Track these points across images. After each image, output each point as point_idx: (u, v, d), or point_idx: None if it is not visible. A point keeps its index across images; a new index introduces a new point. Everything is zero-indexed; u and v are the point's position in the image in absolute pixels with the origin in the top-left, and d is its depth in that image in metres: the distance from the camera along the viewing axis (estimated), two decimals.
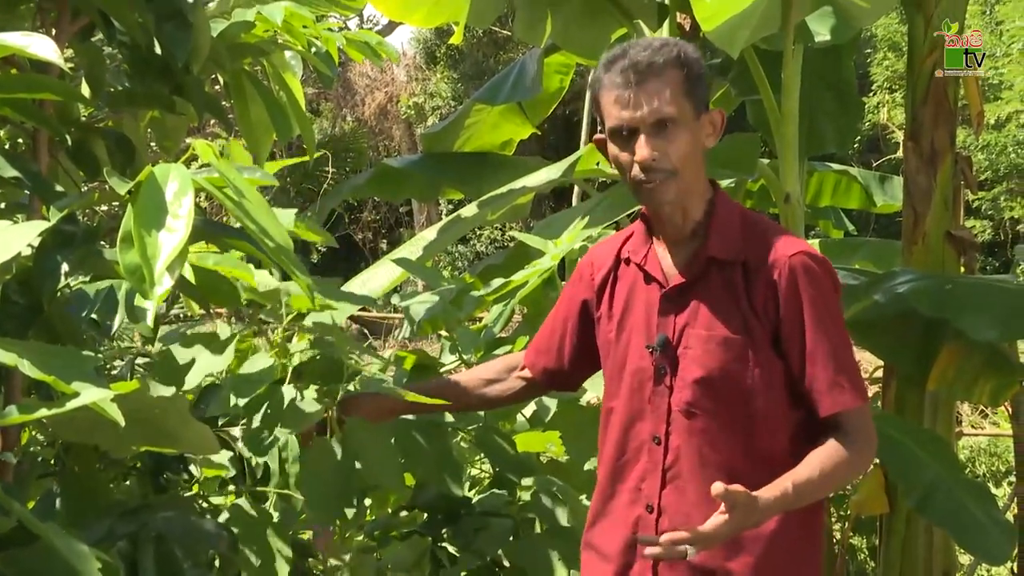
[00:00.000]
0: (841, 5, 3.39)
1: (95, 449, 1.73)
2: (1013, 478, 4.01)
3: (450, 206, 15.69)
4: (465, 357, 2.49)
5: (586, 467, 2.46)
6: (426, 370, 2.37)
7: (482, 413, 2.35)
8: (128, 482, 1.93)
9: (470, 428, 2.38)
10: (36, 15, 1.76)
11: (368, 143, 18.08)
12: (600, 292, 1.93)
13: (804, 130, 3.81)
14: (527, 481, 2.37)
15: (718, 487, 1.55)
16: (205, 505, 2.00)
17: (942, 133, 3.50)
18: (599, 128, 1.81)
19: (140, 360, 2.20)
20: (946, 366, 3.21)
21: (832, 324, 1.75)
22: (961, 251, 3.53)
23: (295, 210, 1.88)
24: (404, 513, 2.41)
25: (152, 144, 2.27)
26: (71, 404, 1.21)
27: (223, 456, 1.92)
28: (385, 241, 18.05)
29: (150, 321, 1.45)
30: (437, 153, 4.90)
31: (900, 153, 4.23)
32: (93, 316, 1.63)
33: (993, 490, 5.99)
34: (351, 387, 2.04)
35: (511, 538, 2.30)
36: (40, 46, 1.38)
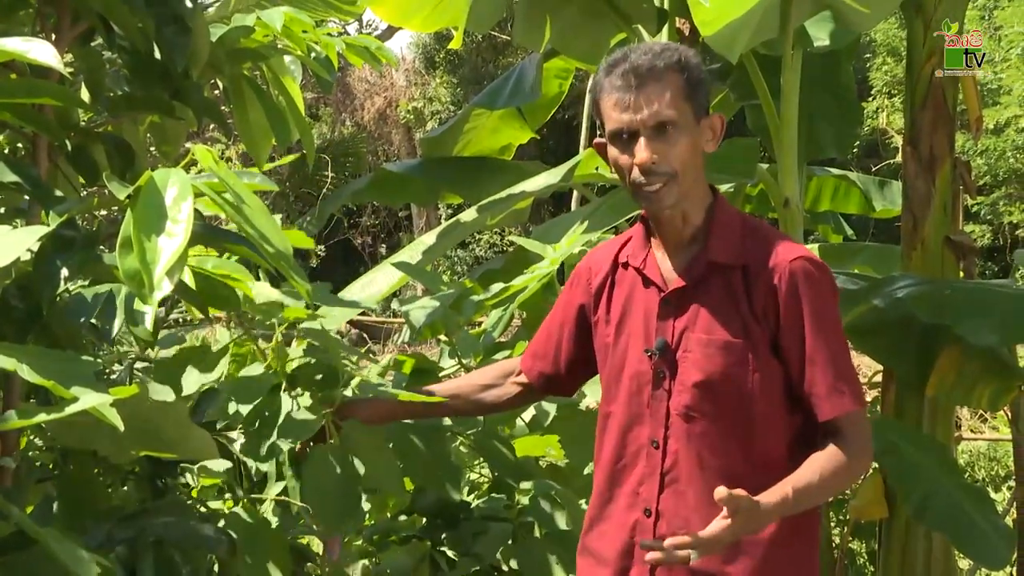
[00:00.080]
0: (840, 10, 3.39)
1: (94, 454, 1.73)
2: (1012, 483, 4.02)
3: (449, 211, 15.69)
4: (464, 361, 2.49)
5: (585, 471, 2.46)
6: (425, 374, 2.37)
7: (481, 418, 2.35)
8: (126, 487, 1.92)
9: (469, 432, 2.38)
10: (36, 20, 1.76)
11: (367, 148, 18.09)
12: (597, 297, 1.93)
13: (803, 135, 3.81)
14: (526, 485, 2.37)
15: (721, 491, 1.55)
16: (203, 510, 2.00)
17: (941, 138, 3.51)
18: (599, 132, 1.81)
19: (139, 365, 2.20)
20: (945, 371, 3.21)
21: (832, 329, 1.76)
22: (960, 256, 3.53)
23: (280, 215, 1.88)
24: (403, 517, 2.41)
25: (151, 149, 2.27)
26: (70, 409, 1.21)
27: (221, 464, 1.92)
28: (384, 246, 18.04)
29: (149, 325, 1.45)
30: (436, 158, 4.90)
31: (899, 158, 4.23)
32: (93, 321, 1.63)
33: (992, 495, 5.99)
34: (349, 392, 2.04)
35: (510, 542, 2.30)
36: (40, 51, 1.38)
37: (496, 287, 2.59)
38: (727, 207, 1.85)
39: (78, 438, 1.59)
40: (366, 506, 2.30)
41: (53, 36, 1.74)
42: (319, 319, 2.02)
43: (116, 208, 1.58)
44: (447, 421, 2.29)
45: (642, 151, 1.71)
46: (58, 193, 1.65)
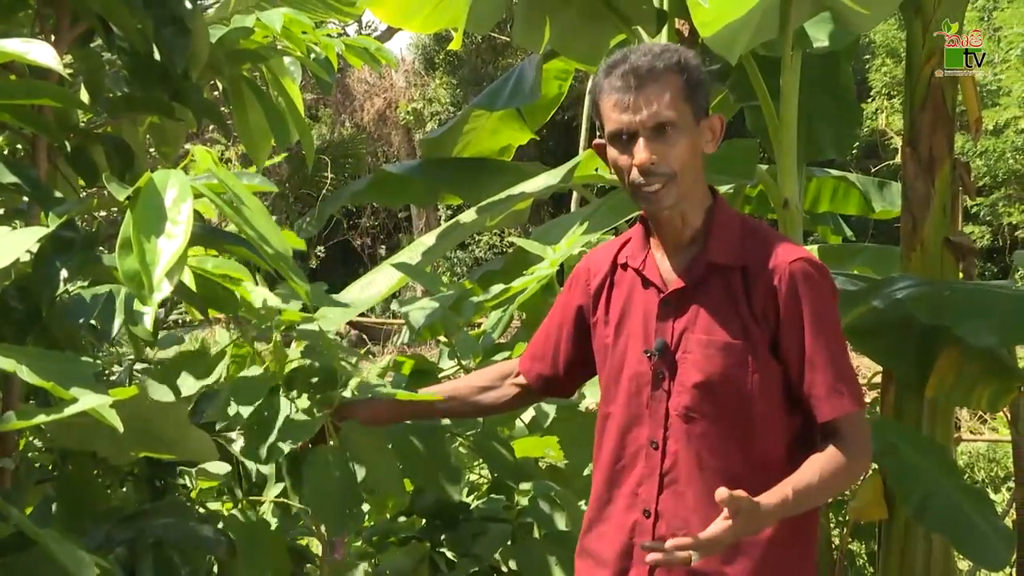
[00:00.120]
0: (839, 11, 3.39)
1: (93, 455, 1.73)
2: (1012, 484, 4.01)
3: (449, 212, 15.69)
4: (464, 363, 2.49)
5: (584, 473, 2.46)
6: (424, 375, 2.37)
7: (480, 419, 2.35)
8: (125, 488, 1.92)
9: (468, 434, 2.38)
10: (35, 21, 1.76)
11: (367, 149, 18.09)
12: (596, 298, 1.93)
13: (803, 136, 3.81)
14: (525, 486, 2.37)
15: (723, 492, 1.55)
16: (203, 511, 2.00)
17: (940, 139, 3.51)
18: (599, 133, 1.81)
19: (138, 366, 2.20)
20: (945, 372, 3.21)
21: (831, 331, 1.76)
22: (960, 257, 3.53)
23: (278, 216, 1.89)
24: (402, 519, 2.40)
25: (151, 150, 2.27)
26: (69, 410, 1.21)
27: (221, 468, 1.92)
28: (384, 247, 18.05)
29: (148, 325, 1.45)
30: (436, 159, 4.90)
31: (898, 159, 4.23)
32: (92, 322, 1.63)
33: (992, 496, 5.99)
34: (348, 393, 2.04)
35: (509, 543, 2.30)
36: (39, 52, 1.38)
37: (496, 288, 2.59)
38: (727, 208, 1.85)
39: (77, 439, 1.59)
40: (365, 507, 2.30)
41: (52, 37, 1.74)
42: (315, 321, 2.02)
43: (115, 209, 1.58)
44: (446, 422, 2.29)
45: (641, 152, 1.71)
46: (57, 194, 1.65)
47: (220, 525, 1.84)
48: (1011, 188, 13.19)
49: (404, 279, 3.74)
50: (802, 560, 1.82)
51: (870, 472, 3.38)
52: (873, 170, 12.20)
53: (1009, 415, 3.62)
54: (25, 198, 1.68)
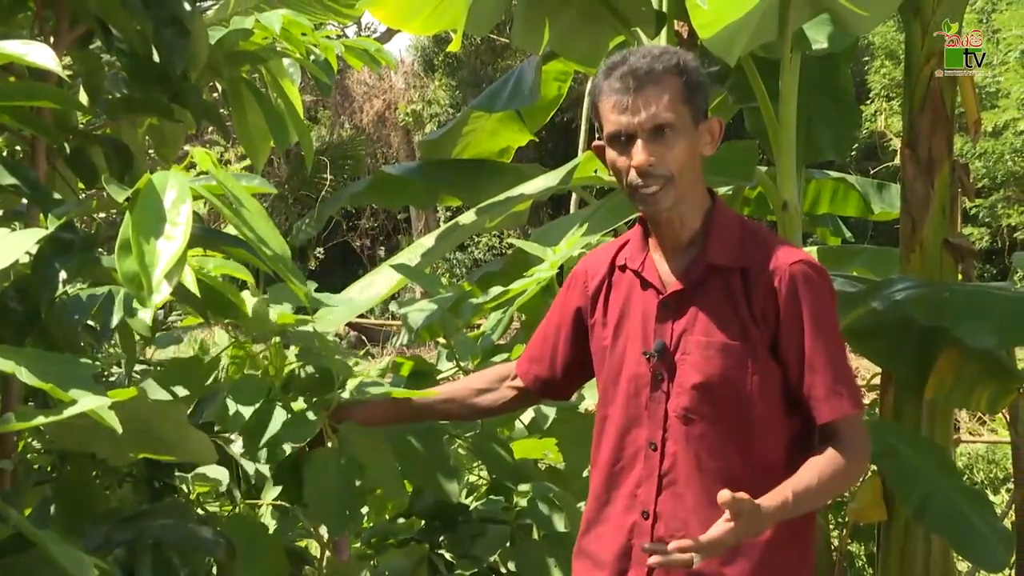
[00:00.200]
0: (838, 13, 3.39)
1: (92, 456, 1.73)
2: (1011, 485, 4.01)
3: (448, 213, 15.69)
4: (462, 364, 2.49)
5: (584, 474, 2.46)
6: (423, 377, 2.37)
7: (480, 420, 2.35)
8: (123, 489, 1.92)
9: (467, 435, 2.38)
10: (34, 23, 1.76)
11: (366, 150, 18.07)
12: (594, 299, 1.93)
13: (802, 138, 3.81)
14: (524, 487, 2.37)
15: (725, 494, 1.55)
16: (201, 512, 2.00)
17: (939, 141, 3.51)
18: (598, 135, 1.81)
19: (137, 367, 2.20)
20: (944, 373, 3.21)
21: (831, 333, 1.76)
22: (959, 258, 3.53)
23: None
24: (401, 520, 2.40)
25: (150, 151, 2.27)
26: (68, 411, 1.21)
27: (221, 473, 1.93)
28: (383, 248, 18.05)
29: (148, 320, 1.45)
30: (435, 160, 4.90)
31: (898, 160, 4.23)
32: (90, 323, 1.63)
33: (991, 497, 5.99)
34: (346, 394, 2.04)
35: (508, 544, 2.30)
36: (38, 54, 1.38)
37: (495, 290, 2.59)
38: (725, 210, 1.85)
39: (76, 440, 1.58)
40: (364, 509, 2.31)
41: (51, 39, 1.74)
42: (312, 323, 2.02)
43: (115, 211, 1.58)
44: (444, 424, 2.29)
45: (639, 153, 1.72)
46: (56, 196, 1.65)
47: (219, 527, 1.84)
48: (1010, 190, 13.19)
49: (403, 280, 3.74)
50: (801, 561, 1.82)
51: (869, 473, 3.39)
52: (872, 172, 12.20)
53: (1008, 416, 3.62)
54: (24, 200, 1.68)
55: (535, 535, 2.35)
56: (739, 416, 1.75)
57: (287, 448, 1.90)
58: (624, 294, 1.88)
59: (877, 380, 3.69)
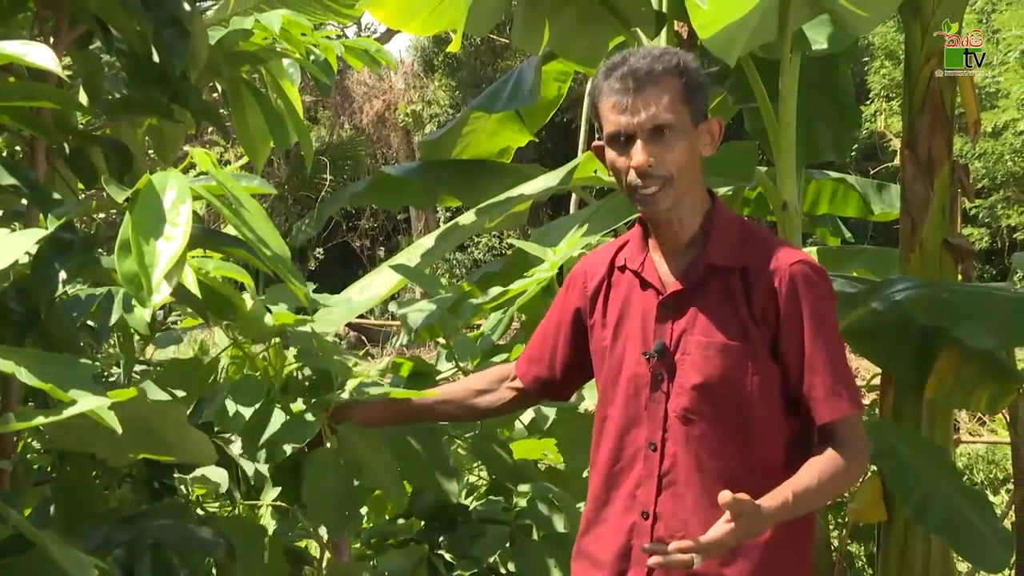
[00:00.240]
0: (838, 14, 3.39)
1: (92, 457, 1.73)
2: (1011, 485, 4.02)
3: (448, 214, 15.69)
4: (461, 365, 2.49)
5: (584, 475, 2.46)
6: (422, 377, 2.37)
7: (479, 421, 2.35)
8: (122, 489, 1.92)
9: (467, 436, 2.38)
10: (34, 23, 1.76)
11: (366, 151, 18.07)
12: (593, 300, 1.93)
13: (801, 138, 3.81)
14: (524, 488, 2.37)
15: (726, 495, 1.55)
16: (201, 513, 2.00)
17: (939, 141, 3.51)
18: (597, 135, 1.82)
19: (137, 368, 2.20)
20: (944, 374, 3.21)
21: (830, 333, 1.76)
22: (958, 259, 3.53)
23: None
24: (401, 521, 2.40)
25: (150, 152, 2.27)
26: (68, 412, 1.21)
27: (221, 476, 1.92)
28: (383, 249, 18.05)
29: (147, 317, 1.44)
30: (435, 161, 4.90)
31: (897, 161, 4.23)
32: (90, 323, 1.63)
33: (991, 497, 5.99)
34: (346, 395, 2.04)
35: (507, 545, 2.30)
36: (38, 54, 1.38)
37: (494, 290, 2.59)
38: (725, 211, 1.85)
39: (76, 441, 1.58)
40: (364, 509, 2.31)
41: (51, 39, 1.74)
42: (310, 324, 2.02)
43: (114, 211, 1.58)
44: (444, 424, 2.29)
45: (638, 154, 1.72)
46: (56, 196, 1.65)
47: (218, 527, 1.84)
48: (1010, 190, 13.19)
49: (403, 281, 3.74)
50: (800, 562, 1.82)
51: (869, 474, 3.39)
52: (872, 172, 12.20)
53: (1008, 417, 3.62)
54: (24, 200, 1.68)
55: (535, 536, 2.34)
56: (739, 416, 1.76)
57: (287, 449, 1.90)
58: (623, 294, 1.88)
59: (877, 380, 3.69)
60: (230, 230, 1.62)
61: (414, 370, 2.39)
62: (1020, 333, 3.00)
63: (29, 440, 1.88)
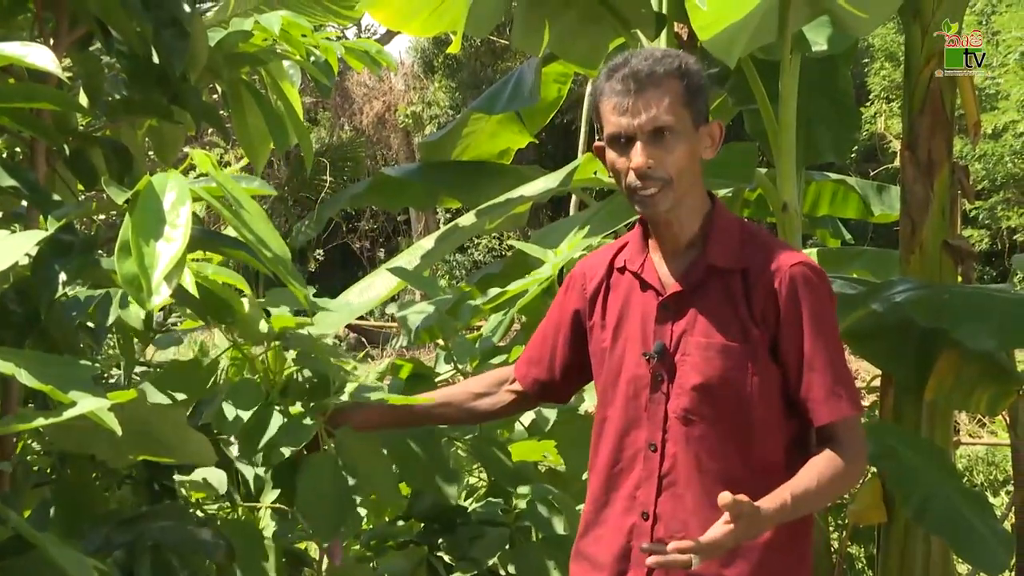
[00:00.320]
0: (838, 15, 3.40)
1: (91, 458, 1.73)
2: (1011, 487, 4.02)
3: (448, 215, 15.69)
4: (460, 366, 2.49)
5: (584, 476, 2.46)
6: (421, 379, 2.37)
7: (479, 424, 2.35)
8: (122, 491, 1.92)
9: (467, 438, 2.38)
10: (34, 24, 1.76)
11: (366, 152, 18.08)
12: (592, 302, 1.93)
13: (801, 139, 3.81)
14: (523, 490, 2.37)
15: (725, 496, 1.55)
16: (200, 514, 2.00)
17: (939, 143, 3.51)
18: (598, 136, 1.82)
19: (137, 369, 2.20)
20: (944, 375, 3.21)
21: (830, 335, 1.76)
22: (958, 260, 3.53)
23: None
24: (400, 522, 2.40)
25: (150, 153, 2.27)
26: (68, 413, 1.21)
27: (220, 480, 1.92)
28: (383, 250, 18.05)
29: (141, 316, 1.44)
30: (435, 162, 4.90)
31: (897, 162, 4.23)
32: (89, 325, 1.63)
33: (991, 499, 5.99)
34: (345, 397, 2.04)
35: (507, 547, 2.30)
36: (38, 56, 1.38)
37: (493, 291, 2.59)
38: (725, 213, 1.85)
39: (76, 442, 1.58)
40: (363, 511, 2.30)
41: (51, 40, 1.74)
42: (308, 327, 2.02)
43: (114, 213, 1.58)
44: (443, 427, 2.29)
45: (638, 155, 1.72)
46: (56, 197, 1.64)
47: (218, 529, 1.84)
48: (1010, 192, 13.20)
49: (403, 283, 3.73)
50: (799, 563, 1.82)
51: (869, 475, 3.39)
52: (872, 173, 12.21)
53: (1008, 418, 3.62)
54: (24, 201, 1.67)
55: (534, 538, 2.34)
56: (739, 417, 1.76)
57: (286, 451, 1.90)
58: (623, 296, 1.88)
59: (877, 382, 3.69)
60: (231, 232, 1.61)
61: (413, 372, 2.39)
62: (1020, 335, 3.00)
63: (29, 441, 1.88)
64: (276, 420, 1.91)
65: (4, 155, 1.91)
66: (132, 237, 1.37)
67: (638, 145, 1.72)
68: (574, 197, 8.62)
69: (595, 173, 3.77)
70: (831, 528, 3.96)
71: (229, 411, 1.90)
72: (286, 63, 2.18)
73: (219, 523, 1.92)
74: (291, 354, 2.07)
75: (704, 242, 1.80)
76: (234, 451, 1.95)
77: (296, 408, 1.95)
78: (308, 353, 2.02)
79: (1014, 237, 13.69)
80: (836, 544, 3.86)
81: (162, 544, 1.59)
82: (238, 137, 2.21)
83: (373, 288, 3.74)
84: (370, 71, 2.26)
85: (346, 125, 19.04)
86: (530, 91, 4.46)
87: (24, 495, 1.70)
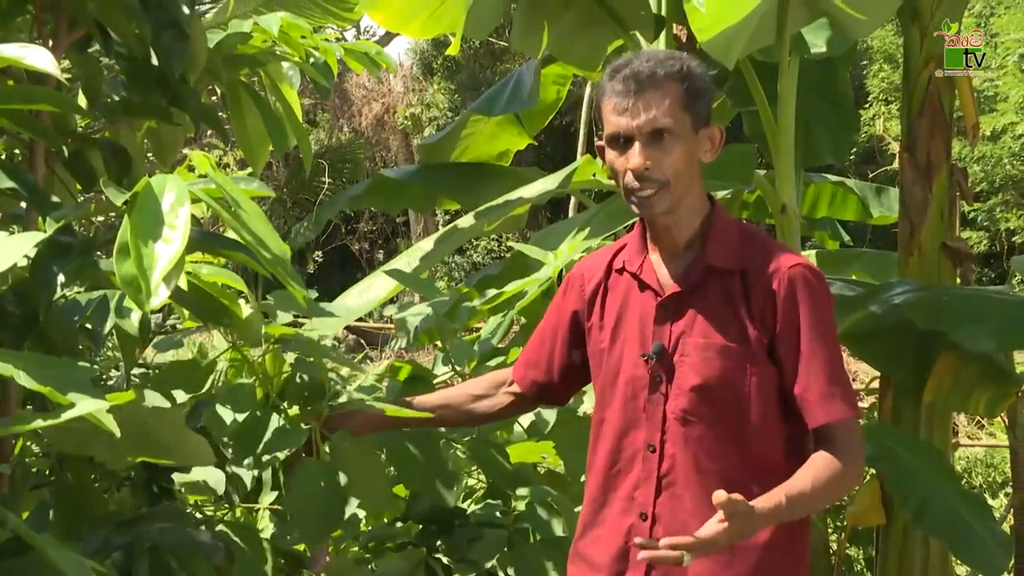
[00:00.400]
0: (837, 17, 3.40)
1: (90, 460, 1.73)
2: (1009, 489, 4.02)
3: (447, 217, 15.71)
4: (458, 368, 2.49)
5: (583, 478, 2.46)
6: (419, 381, 2.37)
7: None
8: (120, 492, 1.92)
9: (465, 439, 2.38)
10: (33, 26, 1.76)
11: (365, 154, 18.09)
12: (591, 303, 1.93)
13: (800, 141, 3.81)
14: (522, 491, 2.37)
15: (720, 495, 1.55)
16: (199, 516, 2.00)
17: (938, 144, 3.51)
18: (597, 136, 1.82)
19: (135, 371, 2.20)
20: (943, 377, 3.21)
21: (827, 337, 1.76)
22: (957, 262, 3.54)
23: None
24: (399, 524, 2.40)
25: (149, 155, 2.27)
26: (67, 415, 1.21)
27: (216, 480, 1.92)
28: (382, 252, 18.06)
29: (135, 322, 1.44)
30: (434, 164, 4.90)
31: (896, 164, 4.23)
32: (87, 325, 1.63)
33: (989, 501, 5.99)
34: (343, 399, 2.04)
35: (505, 549, 2.30)
36: (37, 57, 1.38)
37: (491, 292, 2.59)
38: (724, 215, 1.85)
39: (74, 444, 1.58)
40: (361, 513, 2.30)
41: (50, 42, 1.74)
42: (306, 330, 2.02)
43: (113, 214, 1.58)
44: (441, 429, 2.29)
45: (636, 156, 1.72)
46: (55, 199, 1.64)
47: (216, 530, 1.84)
48: (1008, 193, 13.22)
49: (401, 284, 3.73)
50: (797, 563, 1.82)
51: (868, 477, 3.39)
52: (871, 175, 12.22)
53: (1007, 420, 3.62)
54: (22, 203, 1.67)
55: (533, 539, 2.34)
56: (738, 418, 1.76)
57: (279, 455, 1.89)
58: (621, 297, 1.88)
59: (876, 384, 3.69)
60: (231, 234, 1.61)
61: (411, 374, 2.39)
62: (1018, 336, 3.00)
63: (28, 443, 1.88)
64: (269, 424, 1.90)
65: (3, 156, 1.91)
66: (131, 238, 1.36)
67: (636, 146, 1.72)
68: (573, 199, 8.62)
69: (594, 175, 3.77)
70: (830, 530, 3.97)
71: (224, 414, 1.90)
72: (285, 65, 2.18)
73: (220, 524, 1.92)
74: (290, 356, 2.07)
75: (703, 243, 1.81)
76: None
77: (294, 410, 1.95)
78: (306, 357, 2.02)
79: (1012, 239, 13.70)
80: (835, 546, 3.86)
81: (160, 546, 1.59)
82: (237, 139, 2.21)
83: (372, 290, 3.74)
84: (369, 73, 2.26)
85: (345, 127, 19.04)
86: (529, 93, 4.46)
87: (23, 497, 1.69)
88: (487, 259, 16.66)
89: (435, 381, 2.44)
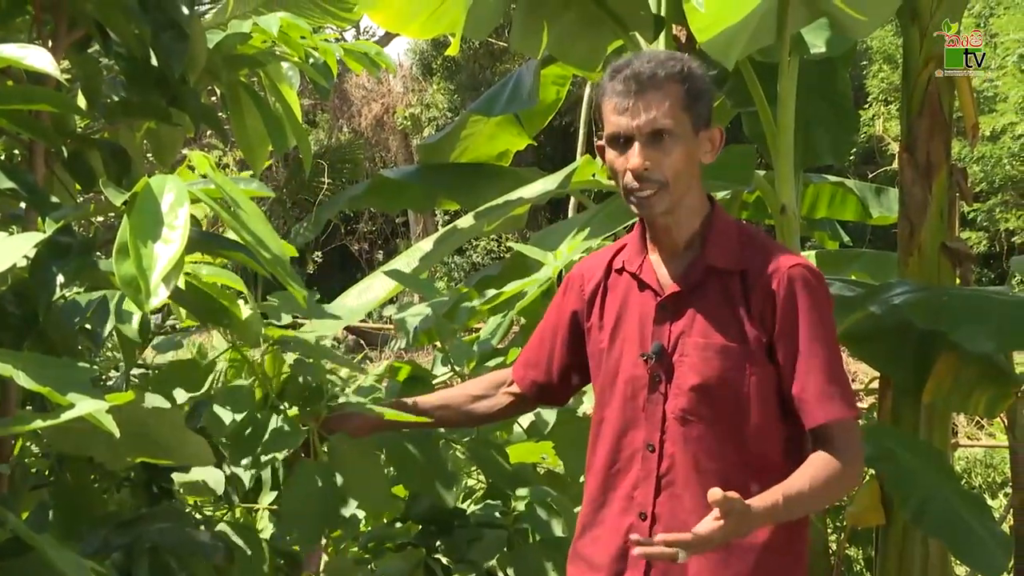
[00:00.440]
0: (836, 17, 3.40)
1: (90, 460, 1.73)
2: (1009, 489, 4.02)
3: (446, 217, 15.70)
4: (457, 368, 2.49)
5: (583, 478, 2.46)
6: (419, 382, 2.37)
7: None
8: (120, 493, 1.92)
9: (464, 440, 2.38)
10: (33, 26, 1.76)
11: (364, 154, 18.10)
12: (590, 303, 1.94)
13: (800, 142, 3.81)
14: (522, 492, 2.37)
15: (716, 493, 1.55)
16: (199, 516, 2.00)
17: (937, 145, 3.52)
18: (597, 136, 1.82)
19: (135, 371, 2.20)
20: (942, 377, 3.21)
21: (826, 337, 1.76)
22: (956, 262, 3.54)
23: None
24: (398, 524, 2.40)
25: (148, 155, 2.27)
26: (66, 415, 1.21)
27: (215, 480, 1.92)
28: (381, 252, 18.05)
29: (135, 325, 1.44)
30: (433, 164, 4.90)
31: (896, 165, 4.24)
32: (87, 326, 1.63)
33: (989, 501, 5.99)
34: (342, 400, 2.04)
35: (505, 549, 2.30)
36: (36, 58, 1.38)
37: (490, 293, 2.59)
38: (724, 215, 1.85)
39: (74, 444, 1.58)
40: (361, 513, 2.30)
41: (50, 42, 1.74)
42: (305, 332, 2.02)
43: (112, 214, 1.58)
44: (440, 430, 2.29)
45: (635, 157, 1.72)
46: (54, 199, 1.64)
47: (216, 531, 1.84)
48: (1008, 194, 13.22)
49: (400, 285, 3.73)
50: (796, 563, 1.82)
51: (867, 477, 3.39)
52: (870, 176, 12.23)
53: (1006, 421, 3.62)
54: (22, 203, 1.67)
55: (532, 540, 2.34)
56: (737, 418, 1.76)
57: (277, 456, 1.89)
58: (621, 297, 1.88)
59: (875, 384, 3.70)
60: (231, 235, 1.61)
61: (411, 374, 2.39)
62: (1018, 337, 3.00)
63: (27, 444, 1.88)
64: (268, 425, 1.90)
65: (2, 157, 1.91)
66: (130, 239, 1.36)
67: (636, 146, 1.72)
68: (573, 199, 8.63)
69: (593, 175, 3.77)
70: (829, 530, 3.97)
71: (223, 415, 1.90)
72: (285, 65, 2.18)
73: (219, 524, 1.92)
74: (289, 357, 2.07)
75: (703, 243, 1.81)
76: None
77: (293, 411, 1.95)
78: (305, 358, 2.02)
79: (1012, 239, 13.71)
80: (834, 546, 3.86)
81: (160, 546, 1.59)
82: (237, 139, 2.21)
83: (371, 290, 3.74)
84: (369, 73, 2.26)
85: (344, 127, 19.04)
86: (529, 93, 4.46)
87: (22, 497, 1.69)
88: (487, 259, 16.66)
89: (434, 381, 2.44)
